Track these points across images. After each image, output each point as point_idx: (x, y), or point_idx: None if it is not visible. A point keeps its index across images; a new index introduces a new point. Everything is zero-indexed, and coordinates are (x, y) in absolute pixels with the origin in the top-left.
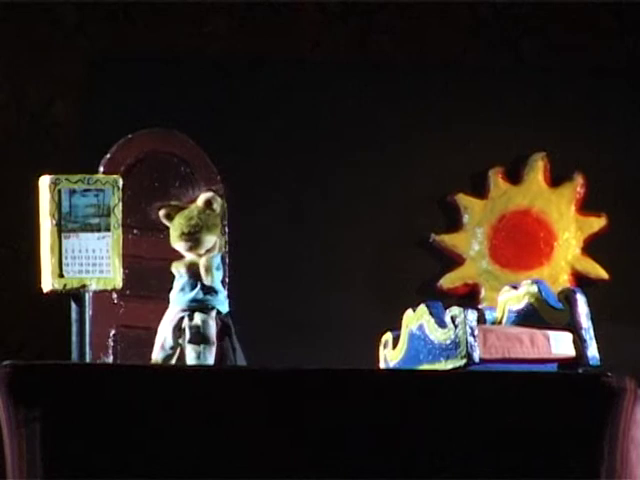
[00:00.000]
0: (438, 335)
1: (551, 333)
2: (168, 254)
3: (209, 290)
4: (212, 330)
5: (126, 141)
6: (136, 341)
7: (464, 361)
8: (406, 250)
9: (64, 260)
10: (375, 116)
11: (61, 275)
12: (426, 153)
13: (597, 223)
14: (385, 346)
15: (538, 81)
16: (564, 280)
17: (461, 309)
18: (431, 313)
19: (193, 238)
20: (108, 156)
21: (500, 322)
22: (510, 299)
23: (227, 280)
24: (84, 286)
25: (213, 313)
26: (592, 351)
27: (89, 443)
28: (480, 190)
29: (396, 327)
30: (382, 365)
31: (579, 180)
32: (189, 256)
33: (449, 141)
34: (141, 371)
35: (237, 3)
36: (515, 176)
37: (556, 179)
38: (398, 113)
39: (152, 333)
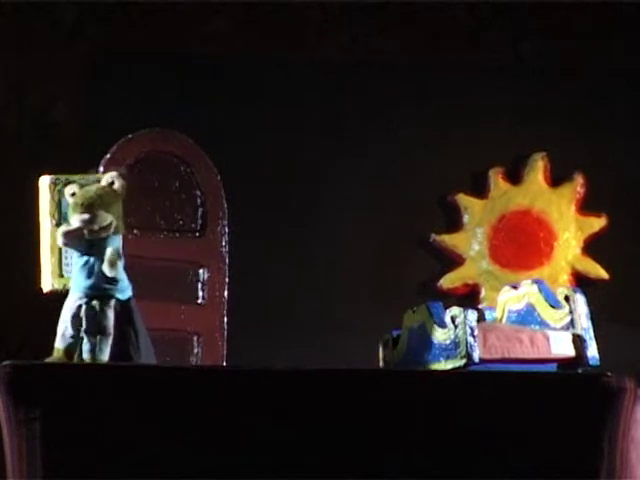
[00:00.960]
0: (438, 335)
1: (551, 333)
2: (168, 254)
3: (109, 279)
4: (109, 321)
5: (126, 141)
6: None
7: (464, 361)
8: (406, 250)
9: (64, 260)
10: (375, 116)
11: (61, 275)
12: (426, 153)
13: (597, 223)
14: (385, 346)
15: (538, 81)
16: (564, 280)
17: (461, 309)
18: (431, 313)
19: (88, 211)
20: (108, 156)
21: (500, 322)
22: (510, 299)
23: (227, 280)
24: None
25: (112, 302)
26: (592, 351)
27: (89, 443)
28: (480, 190)
29: (396, 327)
30: (382, 365)
31: (579, 180)
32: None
33: (449, 141)
34: (141, 371)
35: (237, 3)
36: (515, 176)
37: (556, 179)
38: (398, 113)
39: (152, 333)
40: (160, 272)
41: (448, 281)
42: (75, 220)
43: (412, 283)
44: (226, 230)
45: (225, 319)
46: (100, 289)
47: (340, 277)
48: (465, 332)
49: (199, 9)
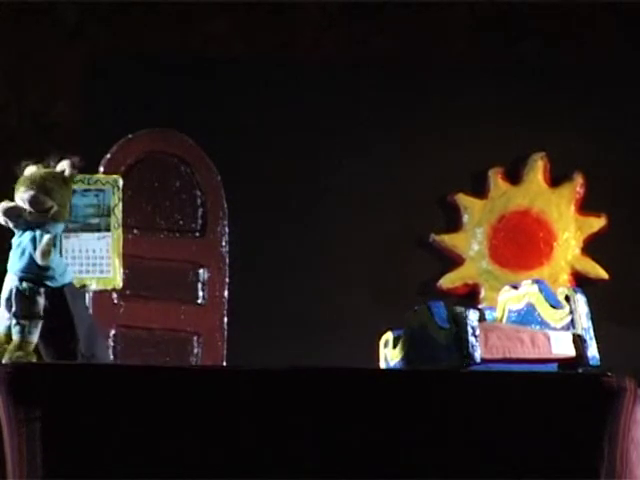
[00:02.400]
0: (439, 335)
1: (551, 333)
2: (168, 254)
3: (40, 266)
4: (38, 306)
5: (126, 141)
6: (136, 341)
7: (465, 361)
8: (406, 250)
9: (64, 260)
10: (375, 116)
11: None
12: (426, 153)
13: (597, 223)
14: (386, 346)
15: (538, 81)
16: (564, 280)
17: (462, 309)
18: (432, 313)
19: (30, 190)
20: (108, 156)
21: (500, 322)
22: (510, 299)
23: (227, 280)
24: (84, 286)
25: (42, 288)
26: (592, 351)
27: (89, 443)
28: (480, 190)
29: (396, 327)
30: (382, 365)
31: (579, 180)
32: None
33: (449, 141)
34: (141, 371)
35: (237, 3)
36: (515, 176)
37: (556, 179)
38: (398, 113)
39: (152, 333)
40: (160, 272)
41: (448, 281)
42: (17, 197)
43: (412, 283)
44: (226, 230)
45: (225, 319)
46: (31, 273)
47: (340, 277)
48: (466, 332)
49: (199, 9)
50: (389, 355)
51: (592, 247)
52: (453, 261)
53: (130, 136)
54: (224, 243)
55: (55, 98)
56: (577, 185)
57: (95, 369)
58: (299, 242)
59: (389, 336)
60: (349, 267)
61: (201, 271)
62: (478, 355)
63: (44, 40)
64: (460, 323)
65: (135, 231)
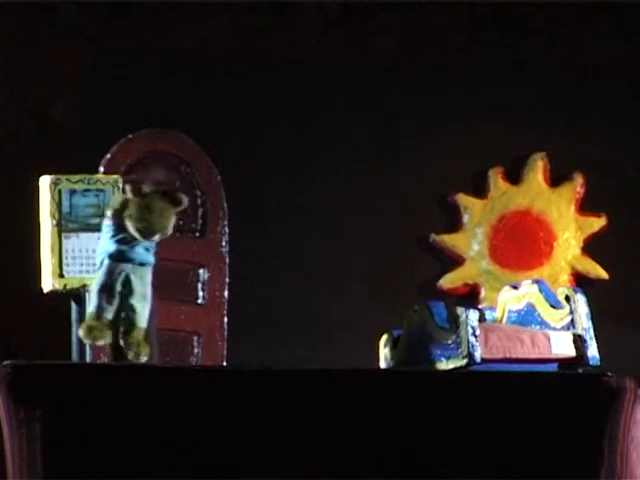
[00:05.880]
0: (439, 335)
1: (552, 333)
2: (168, 254)
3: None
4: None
5: (126, 141)
6: None
7: (465, 361)
8: (406, 250)
9: (64, 260)
10: (375, 116)
11: (61, 275)
12: (426, 153)
13: (597, 223)
14: (385, 346)
15: (538, 81)
16: (564, 280)
17: (463, 309)
18: (432, 313)
19: (162, 235)
20: (108, 156)
21: (500, 322)
22: (510, 299)
23: (227, 280)
24: (84, 286)
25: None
26: (592, 351)
27: (89, 443)
28: (480, 190)
29: (397, 327)
30: (382, 365)
31: (579, 180)
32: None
33: (449, 141)
34: (141, 371)
35: (237, 3)
36: (515, 176)
37: (556, 179)
38: (398, 113)
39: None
40: (160, 272)
41: (448, 281)
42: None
43: (412, 283)
44: (226, 230)
45: (225, 319)
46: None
47: (340, 277)
48: (467, 332)
49: (198, 9)
50: (389, 355)
51: (592, 247)
52: (453, 261)
53: (130, 136)
54: (224, 243)
55: (55, 98)
56: (577, 185)
57: (95, 369)
58: (299, 242)
59: (389, 336)
60: (349, 267)
61: (201, 271)
62: (478, 355)
63: (44, 40)
64: (460, 323)
65: None
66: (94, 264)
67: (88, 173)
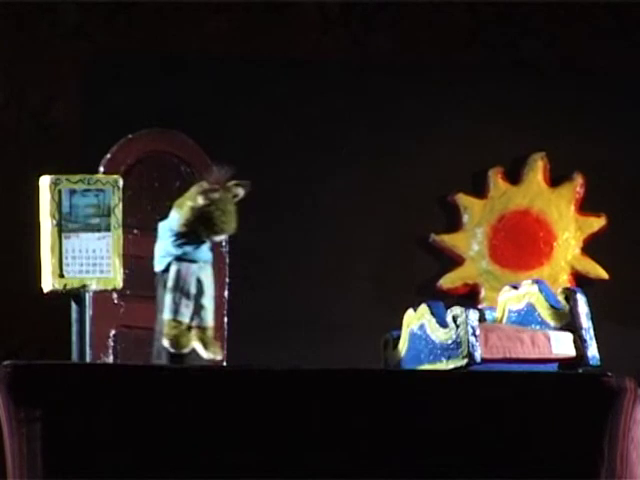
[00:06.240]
0: (439, 335)
1: (552, 333)
2: None
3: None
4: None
5: (126, 141)
6: (136, 341)
7: (465, 361)
8: (406, 250)
9: (64, 260)
10: (375, 116)
11: (61, 275)
12: (426, 153)
13: (597, 223)
14: (386, 346)
15: (538, 81)
16: (564, 280)
17: (462, 309)
18: (432, 313)
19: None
20: (108, 156)
21: (500, 322)
22: (510, 299)
23: (227, 280)
24: (84, 286)
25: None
26: (592, 351)
27: (89, 443)
28: (480, 190)
29: (396, 327)
30: (383, 365)
31: (579, 180)
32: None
33: (449, 141)
34: (141, 371)
35: (237, 3)
36: (515, 176)
37: (556, 179)
38: (398, 113)
39: (152, 333)
40: None
41: (448, 281)
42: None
43: (412, 283)
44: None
45: (225, 319)
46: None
47: (340, 277)
48: (467, 332)
49: (199, 9)
50: (389, 355)
51: (592, 247)
52: (453, 261)
53: (130, 136)
54: (224, 243)
55: (55, 98)
56: (577, 185)
57: (95, 369)
58: (299, 242)
59: (389, 336)
60: (349, 267)
61: None
62: (478, 355)
63: (44, 40)
64: (460, 323)
65: (135, 231)
66: (94, 264)
67: (88, 173)
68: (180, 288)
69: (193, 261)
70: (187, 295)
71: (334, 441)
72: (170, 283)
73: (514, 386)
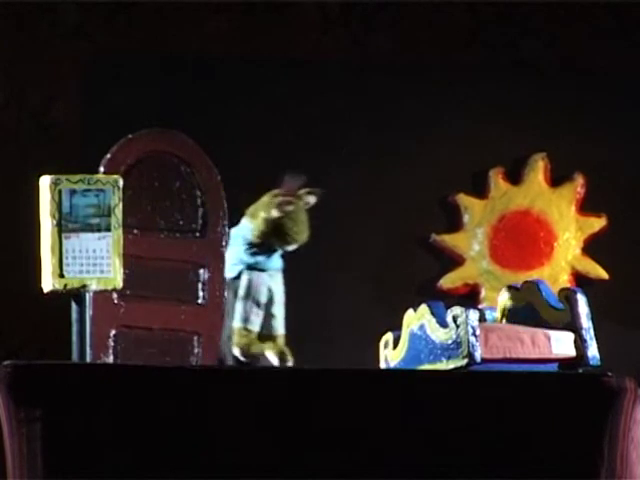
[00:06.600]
0: (439, 335)
1: (552, 333)
2: (168, 254)
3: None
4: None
5: (126, 141)
6: (136, 341)
7: (465, 361)
8: (406, 250)
9: (64, 260)
10: (375, 116)
11: (61, 275)
12: (426, 153)
13: (597, 223)
14: (386, 346)
15: (538, 81)
16: (564, 280)
17: (463, 309)
18: (432, 313)
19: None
20: (108, 156)
21: (500, 322)
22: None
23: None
24: (84, 286)
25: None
26: (592, 351)
27: (89, 443)
28: (480, 190)
29: (396, 327)
30: (383, 365)
31: (579, 180)
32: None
33: (449, 141)
34: (141, 371)
35: (237, 3)
36: (515, 176)
37: (556, 179)
38: (398, 113)
39: (152, 333)
40: (160, 272)
41: (448, 281)
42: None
43: (412, 283)
44: (226, 230)
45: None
46: None
47: (340, 277)
48: (467, 332)
49: (198, 9)
50: (389, 355)
51: (592, 247)
52: (453, 261)
53: (130, 136)
54: (224, 243)
55: (55, 98)
56: (578, 185)
57: (95, 369)
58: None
59: (389, 336)
60: (349, 267)
61: (201, 271)
62: (478, 355)
63: (44, 40)
64: (460, 323)
65: (135, 231)
66: (94, 264)
67: (88, 173)
68: (251, 297)
69: (264, 270)
70: (258, 304)
71: (334, 441)
72: (242, 291)
73: (514, 386)
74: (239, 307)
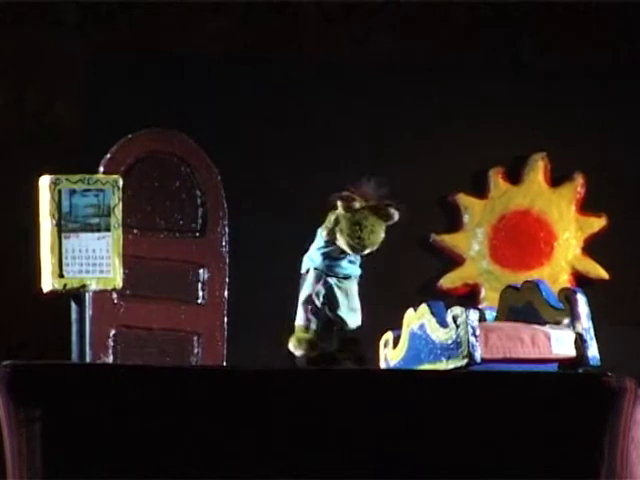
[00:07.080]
0: (439, 335)
1: (552, 332)
2: (168, 254)
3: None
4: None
5: (126, 141)
6: (136, 341)
7: (465, 361)
8: (406, 250)
9: (64, 260)
10: (375, 116)
11: (61, 275)
12: (426, 153)
13: (597, 223)
14: (386, 346)
15: (538, 81)
16: (564, 280)
17: (463, 309)
18: (432, 313)
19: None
20: (108, 156)
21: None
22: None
23: (227, 280)
24: (84, 286)
25: None
26: (592, 351)
27: (89, 443)
28: (480, 190)
29: (396, 327)
30: (382, 365)
31: (579, 180)
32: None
33: (449, 141)
34: (141, 371)
35: (237, 3)
36: (515, 176)
37: (556, 179)
38: (398, 113)
39: (152, 333)
40: (160, 272)
41: (448, 281)
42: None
43: (412, 283)
44: (226, 230)
45: (225, 319)
46: None
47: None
48: (467, 332)
49: (199, 9)
50: (389, 355)
51: (592, 247)
52: (453, 261)
53: (130, 136)
54: (224, 243)
55: (55, 98)
56: (578, 185)
57: (95, 369)
58: (299, 242)
59: (389, 336)
60: None
61: (201, 271)
62: (478, 355)
63: (44, 40)
64: (460, 323)
65: (135, 231)
66: (94, 264)
67: (88, 173)
68: (309, 297)
69: (331, 274)
70: (315, 304)
71: (334, 441)
72: (304, 289)
73: (514, 386)
74: (300, 307)
